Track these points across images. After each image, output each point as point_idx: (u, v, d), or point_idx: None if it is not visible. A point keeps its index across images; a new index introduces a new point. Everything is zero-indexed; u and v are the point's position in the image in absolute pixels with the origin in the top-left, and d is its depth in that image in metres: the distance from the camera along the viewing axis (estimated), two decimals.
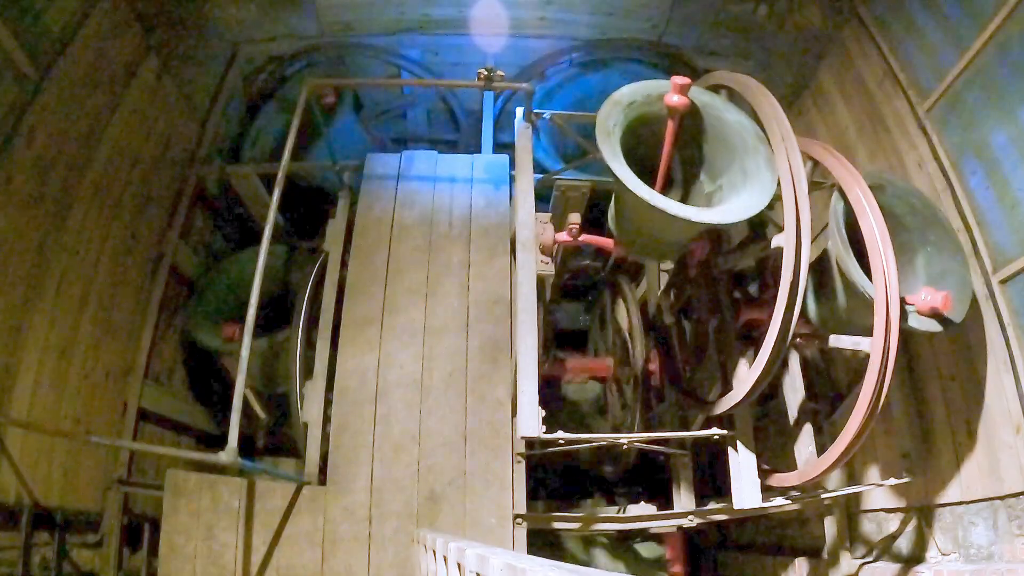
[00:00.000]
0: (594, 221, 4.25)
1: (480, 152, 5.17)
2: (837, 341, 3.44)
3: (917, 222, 3.48)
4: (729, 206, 2.99)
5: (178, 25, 4.78)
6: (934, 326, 3.23)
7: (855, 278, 3.13)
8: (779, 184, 3.07)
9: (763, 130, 3.20)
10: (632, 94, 3.15)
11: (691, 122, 3.20)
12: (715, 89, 3.49)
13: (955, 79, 3.67)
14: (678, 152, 3.29)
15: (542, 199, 4.04)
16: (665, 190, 3.29)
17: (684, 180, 3.38)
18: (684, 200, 3.36)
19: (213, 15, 5.17)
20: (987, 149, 3.53)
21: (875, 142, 4.37)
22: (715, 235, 3.95)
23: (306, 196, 5.67)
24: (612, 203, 3.57)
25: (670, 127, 3.09)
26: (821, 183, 4.21)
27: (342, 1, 5.40)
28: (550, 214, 4.00)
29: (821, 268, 3.57)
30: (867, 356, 3.07)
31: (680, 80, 2.99)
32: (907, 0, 4.05)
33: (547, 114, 4.08)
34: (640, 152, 3.17)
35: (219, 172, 5.43)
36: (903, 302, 3.12)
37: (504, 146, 5.39)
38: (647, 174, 3.13)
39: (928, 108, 3.90)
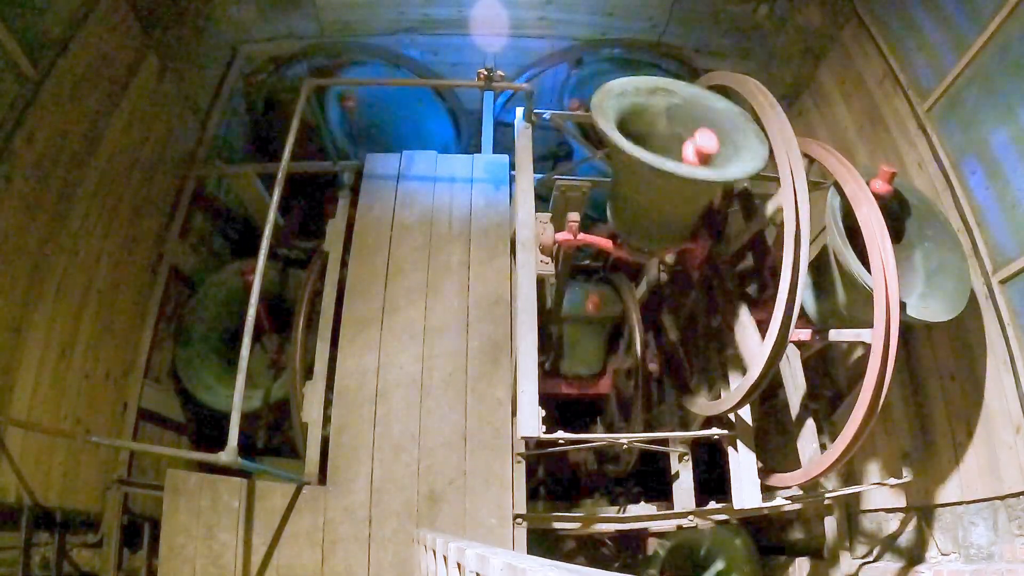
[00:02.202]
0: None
1: (480, 152, 5.17)
2: (838, 335, 3.45)
3: (913, 217, 3.51)
4: (726, 168, 3.08)
5: (178, 25, 4.77)
6: (934, 315, 3.24)
7: (854, 269, 3.16)
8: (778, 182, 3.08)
9: (759, 125, 3.22)
10: (622, 85, 3.25)
11: (682, 111, 3.30)
12: (714, 89, 3.50)
13: (955, 79, 3.67)
14: (672, 147, 3.35)
15: (542, 199, 4.04)
16: None
17: None
18: None
19: (213, 15, 5.16)
20: (987, 149, 3.53)
21: (875, 142, 4.37)
22: (715, 233, 3.94)
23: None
24: (610, 194, 3.58)
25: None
26: (820, 183, 4.21)
27: (342, 1, 5.40)
28: (550, 214, 4.00)
29: (820, 266, 3.58)
30: (867, 356, 3.07)
31: (707, 148, 3.01)
32: (907, 0, 4.05)
33: (547, 114, 4.09)
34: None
35: (219, 172, 5.43)
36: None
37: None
38: None
39: (928, 108, 3.90)
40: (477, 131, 5.53)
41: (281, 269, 5.36)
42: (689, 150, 3.03)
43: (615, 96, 3.18)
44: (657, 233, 3.71)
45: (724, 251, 3.91)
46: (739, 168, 3.05)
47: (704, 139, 3.00)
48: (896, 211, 3.47)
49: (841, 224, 3.29)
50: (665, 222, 3.51)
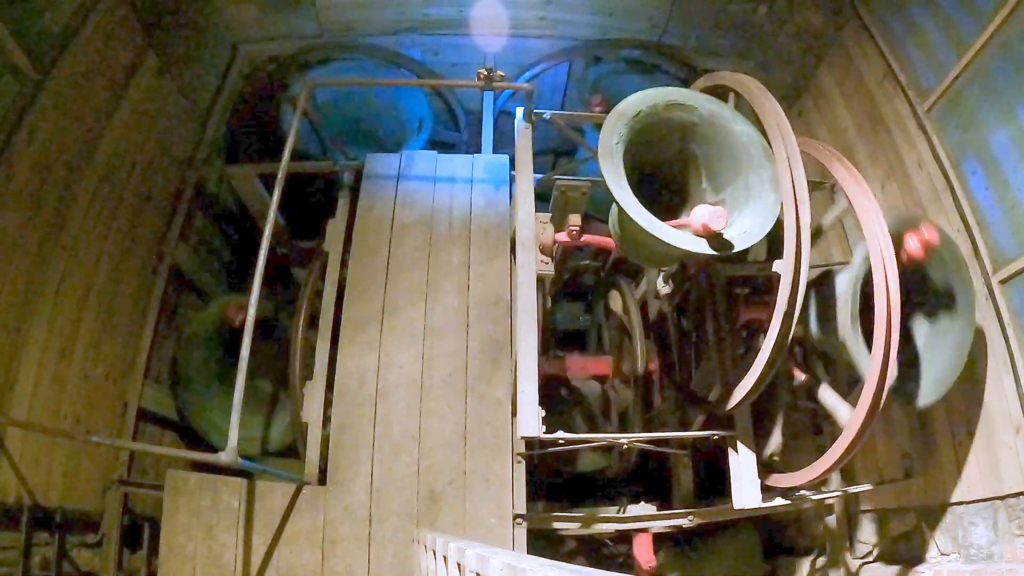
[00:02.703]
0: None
1: (480, 152, 5.17)
2: (824, 393, 3.47)
3: (936, 272, 3.46)
4: (729, 232, 2.95)
5: (178, 25, 4.77)
6: (920, 399, 3.28)
7: (855, 359, 3.15)
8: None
9: (766, 136, 3.20)
10: (639, 104, 3.10)
11: (698, 130, 3.17)
12: (715, 89, 3.49)
13: (955, 79, 3.67)
14: (681, 162, 3.29)
15: (542, 199, 4.04)
16: (667, 199, 3.30)
17: (687, 189, 3.38)
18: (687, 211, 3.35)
19: (213, 15, 5.17)
20: (987, 149, 3.53)
21: (875, 142, 4.37)
22: None
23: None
24: (614, 209, 3.57)
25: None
26: (821, 183, 4.22)
27: (342, 1, 5.41)
28: (550, 214, 4.00)
29: (825, 292, 3.54)
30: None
31: (716, 227, 2.84)
32: (907, 0, 4.05)
33: (547, 114, 4.09)
34: (644, 159, 3.15)
35: (219, 172, 5.43)
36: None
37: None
38: (652, 183, 3.13)
39: (928, 108, 3.90)
40: (477, 131, 5.53)
41: (274, 306, 5.29)
42: (697, 219, 2.86)
43: (628, 121, 3.03)
44: (657, 258, 3.72)
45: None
46: (741, 231, 2.92)
47: (715, 219, 2.84)
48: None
49: (858, 300, 3.19)
50: (665, 252, 3.50)
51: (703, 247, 2.88)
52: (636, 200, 2.87)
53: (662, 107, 3.12)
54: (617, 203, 2.86)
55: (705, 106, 3.17)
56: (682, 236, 2.88)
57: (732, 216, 2.98)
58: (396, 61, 5.96)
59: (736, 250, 2.91)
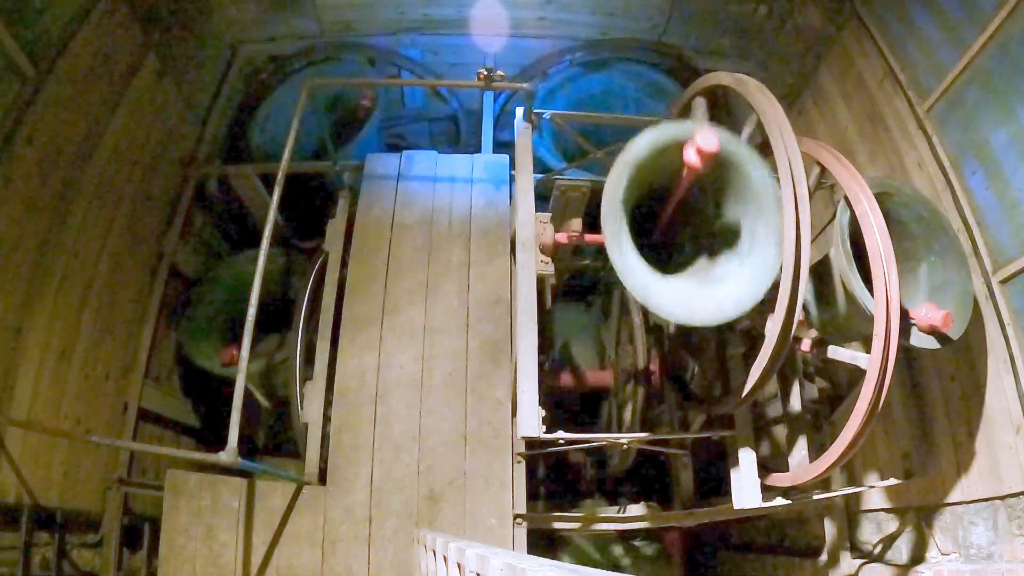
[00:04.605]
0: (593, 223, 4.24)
1: (480, 152, 5.17)
2: (835, 353, 3.43)
3: (922, 230, 3.41)
4: (724, 292, 2.96)
5: (178, 25, 4.78)
6: (932, 343, 3.21)
7: (858, 295, 3.10)
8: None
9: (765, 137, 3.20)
10: (651, 145, 2.95)
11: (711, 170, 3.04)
12: (714, 89, 3.49)
13: (955, 79, 3.67)
14: (688, 202, 3.27)
15: (542, 198, 4.04)
16: (670, 235, 3.31)
17: (692, 228, 3.37)
18: (690, 256, 3.36)
19: (213, 15, 5.17)
20: (987, 149, 3.53)
21: (875, 142, 4.37)
22: None
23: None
24: None
25: (681, 185, 3.03)
26: (821, 183, 4.21)
27: (342, 1, 5.41)
28: (550, 214, 4.00)
29: (823, 272, 3.56)
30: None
31: (707, 146, 2.81)
32: (907, 0, 4.05)
33: (547, 114, 4.09)
34: (650, 189, 3.14)
35: (219, 172, 5.43)
36: (904, 315, 3.08)
37: (504, 145, 5.38)
38: (655, 217, 3.13)
39: (928, 108, 3.90)
40: (477, 131, 5.53)
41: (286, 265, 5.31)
42: (691, 153, 2.84)
43: (631, 169, 2.93)
44: None
45: None
46: (735, 295, 2.93)
47: (705, 140, 2.79)
48: (904, 221, 3.40)
49: (848, 242, 3.17)
50: None
51: (692, 318, 2.93)
52: (639, 266, 2.90)
53: (673, 145, 2.98)
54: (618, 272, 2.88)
55: (724, 147, 2.95)
56: (673, 309, 2.92)
57: (732, 270, 3.00)
58: (395, 61, 5.96)
59: (725, 320, 2.96)
